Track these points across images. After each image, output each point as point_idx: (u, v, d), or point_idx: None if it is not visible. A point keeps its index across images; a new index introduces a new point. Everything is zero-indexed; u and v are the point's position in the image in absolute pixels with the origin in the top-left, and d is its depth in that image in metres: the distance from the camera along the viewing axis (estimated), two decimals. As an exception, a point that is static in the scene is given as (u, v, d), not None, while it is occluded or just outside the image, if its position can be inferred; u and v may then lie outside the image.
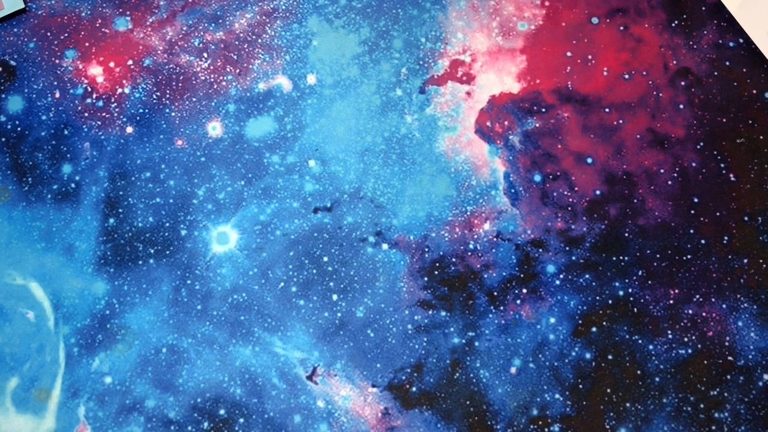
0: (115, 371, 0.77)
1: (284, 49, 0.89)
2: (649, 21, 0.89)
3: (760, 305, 0.79)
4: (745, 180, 0.83)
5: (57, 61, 0.88)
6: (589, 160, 0.84)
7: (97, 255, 0.81)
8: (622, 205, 0.83)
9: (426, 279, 0.81)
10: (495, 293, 0.80)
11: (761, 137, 0.85)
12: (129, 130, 0.86)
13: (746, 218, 0.82)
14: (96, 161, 0.84)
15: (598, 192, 0.83)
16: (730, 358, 0.77)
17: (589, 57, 0.88)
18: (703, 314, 0.79)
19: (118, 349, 0.78)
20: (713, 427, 0.76)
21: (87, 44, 0.89)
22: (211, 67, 0.88)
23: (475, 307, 0.80)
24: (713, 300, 0.79)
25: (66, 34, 0.89)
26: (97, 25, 0.90)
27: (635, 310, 0.79)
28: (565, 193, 0.83)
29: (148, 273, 0.81)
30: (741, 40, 0.88)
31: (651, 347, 0.78)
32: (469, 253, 0.82)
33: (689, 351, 0.78)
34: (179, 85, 0.87)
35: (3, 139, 0.85)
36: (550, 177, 0.84)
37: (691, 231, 0.82)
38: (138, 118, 0.86)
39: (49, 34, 0.89)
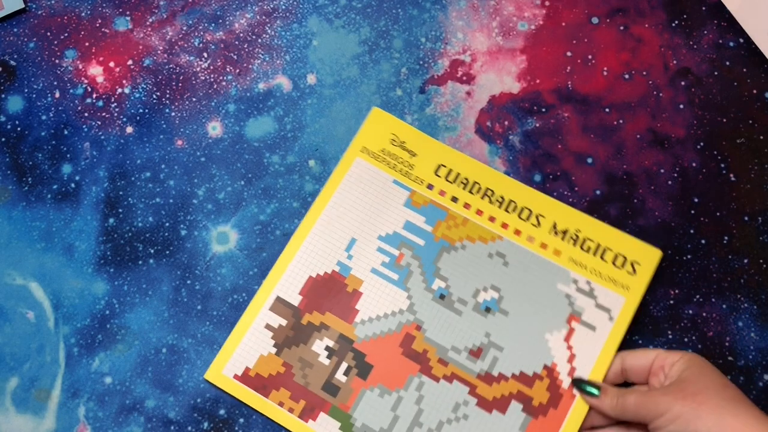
0: (115, 371, 0.77)
1: (284, 49, 0.89)
2: (649, 21, 0.89)
3: (760, 305, 0.79)
4: (745, 180, 0.83)
5: (57, 61, 0.88)
6: (589, 160, 0.84)
7: (97, 255, 0.81)
8: (622, 205, 0.82)
9: (426, 279, 0.81)
10: (495, 293, 0.80)
11: (761, 137, 0.85)
12: (129, 130, 0.86)
13: (746, 218, 0.82)
14: (96, 161, 0.84)
15: (598, 192, 0.83)
16: (730, 358, 0.77)
17: (589, 57, 0.88)
18: (703, 314, 0.79)
19: (118, 349, 0.78)
20: (713, 427, 0.75)
21: (87, 44, 0.89)
22: (211, 67, 0.88)
23: (475, 307, 0.80)
24: (713, 300, 0.79)
25: (66, 34, 0.89)
26: (97, 25, 0.90)
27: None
28: (565, 193, 0.83)
29: (148, 273, 0.81)
30: (741, 40, 0.88)
31: (651, 347, 0.78)
32: (469, 253, 0.82)
33: (689, 351, 0.78)
34: (179, 85, 0.87)
35: (3, 139, 0.85)
36: (550, 177, 0.84)
37: (691, 231, 0.82)
38: (138, 118, 0.86)
39: (49, 34, 0.89)
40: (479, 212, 0.79)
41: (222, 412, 0.76)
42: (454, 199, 0.80)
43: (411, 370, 0.75)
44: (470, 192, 0.80)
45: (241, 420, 0.76)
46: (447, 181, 0.80)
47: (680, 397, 0.65)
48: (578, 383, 0.72)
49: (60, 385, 0.77)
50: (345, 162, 0.82)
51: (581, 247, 0.78)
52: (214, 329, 0.79)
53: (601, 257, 0.77)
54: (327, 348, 0.75)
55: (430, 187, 0.80)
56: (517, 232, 0.79)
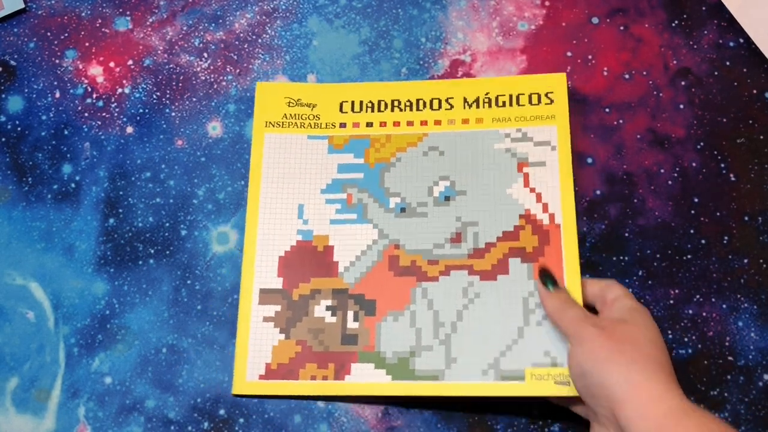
0: (115, 371, 0.77)
1: (284, 49, 0.89)
2: (649, 21, 0.89)
3: (760, 305, 0.79)
4: (745, 180, 0.83)
5: (57, 61, 0.88)
6: (589, 160, 0.84)
7: (97, 255, 0.81)
8: (622, 205, 0.82)
9: (426, 279, 0.81)
10: (495, 293, 0.80)
11: (761, 137, 0.85)
12: (129, 130, 0.86)
13: (746, 218, 0.82)
14: (96, 161, 0.84)
15: (598, 192, 0.83)
16: (730, 358, 0.77)
17: (589, 57, 0.88)
18: (703, 314, 0.79)
19: (118, 349, 0.78)
20: (713, 427, 0.75)
21: (87, 44, 0.89)
22: (211, 67, 0.88)
23: (475, 307, 0.80)
24: (713, 300, 0.79)
25: (66, 34, 0.89)
26: (97, 25, 0.90)
27: (635, 310, 0.79)
28: (565, 193, 0.83)
29: (148, 273, 0.81)
30: (741, 40, 0.88)
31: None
32: (469, 253, 0.82)
33: (689, 351, 0.78)
34: (179, 85, 0.87)
35: (3, 139, 0.85)
36: (550, 177, 0.83)
37: (691, 231, 0.82)
38: (138, 118, 0.86)
39: (49, 34, 0.89)
40: (396, 124, 0.83)
41: (222, 412, 0.76)
42: (369, 124, 0.83)
43: (409, 284, 0.77)
44: (380, 111, 0.83)
45: (241, 420, 0.76)
46: (354, 113, 0.84)
47: (607, 335, 0.65)
48: (543, 274, 0.73)
49: (60, 385, 0.77)
50: (256, 145, 0.83)
51: (497, 105, 0.82)
52: (214, 329, 0.79)
53: (518, 104, 0.82)
54: (327, 308, 0.77)
55: (342, 125, 0.83)
56: (437, 123, 0.83)
